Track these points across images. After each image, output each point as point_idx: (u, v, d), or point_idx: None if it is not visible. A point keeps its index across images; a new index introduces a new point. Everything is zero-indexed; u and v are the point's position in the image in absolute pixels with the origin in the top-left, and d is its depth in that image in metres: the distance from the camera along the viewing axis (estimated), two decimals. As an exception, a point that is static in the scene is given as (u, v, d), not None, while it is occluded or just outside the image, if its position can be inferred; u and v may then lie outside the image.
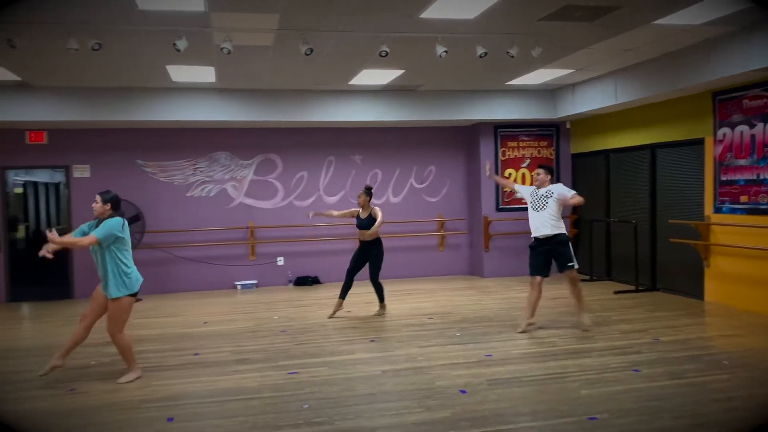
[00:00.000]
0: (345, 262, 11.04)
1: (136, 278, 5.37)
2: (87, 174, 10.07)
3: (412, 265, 11.25)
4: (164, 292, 10.22)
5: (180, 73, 8.25)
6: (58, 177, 15.88)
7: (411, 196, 11.26)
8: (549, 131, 11.25)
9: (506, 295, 9.21)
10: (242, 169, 10.70)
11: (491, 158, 10.89)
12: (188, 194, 10.44)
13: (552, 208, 6.68)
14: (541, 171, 6.91)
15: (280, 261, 10.88)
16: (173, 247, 10.30)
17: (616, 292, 9.14)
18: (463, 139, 11.46)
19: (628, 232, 9.62)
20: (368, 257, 7.86)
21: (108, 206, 5.27)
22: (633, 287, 9.32)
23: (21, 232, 12.72)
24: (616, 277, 10.26)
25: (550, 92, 10.54)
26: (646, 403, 4.55)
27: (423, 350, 6.17)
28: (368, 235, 7.73)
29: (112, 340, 5.38)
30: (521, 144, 11.12)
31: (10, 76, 8.05)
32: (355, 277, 7.97)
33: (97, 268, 5.33)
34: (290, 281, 10.85)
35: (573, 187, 11.17)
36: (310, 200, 10.91)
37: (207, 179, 10.53)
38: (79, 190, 10.06)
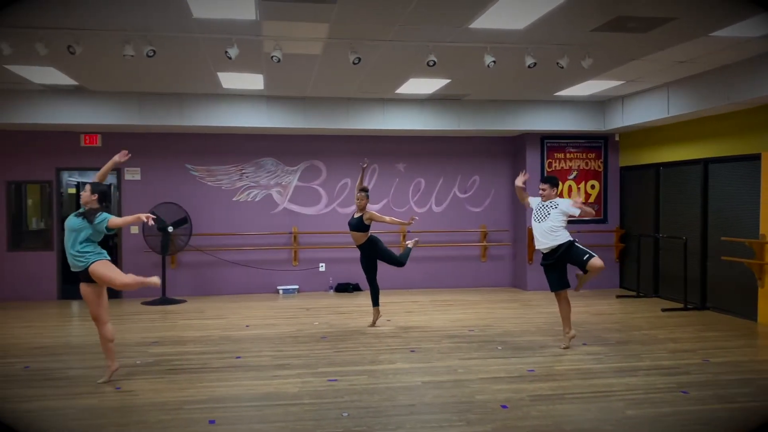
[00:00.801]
0: (385, 269, 11.08)
1: (105, 253, 5.47)
2: (137, 177, 10.33)
3: (453, 276, 11.18)
4: (208, 294, 10.40)
5: (230, 80, 8.40)
6: (109, 179, 16.42)
7: (454, 206, 11.19)
8: (597, 143, 11.05)
9: (549, 309, 9.03)
10: (287, 175, 10.83)
11: (537, 169, 10.76)
12: (234, 199, 10.61)
13: (554, 220, 6.53)
14: (546, 186, 6.71)
15: (322, 267, 10.94)
16: (218, 250, 10.47)
17: (664, 310, 8.89)
18: (509, 149, 11.35)
19: (677, 249, 9.35)
20: (373, 258, 7.72)
21: (95, 197, 5.38)
22: (681, 305, 9.04)
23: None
24: (664, 294, 9.98)
25: (599, 103, 10.36)
26: (695, 427, 4.41)
27: (464, 363, 6.10)
28: (358, 237, 7.61)
29: (123, 288, 5.46)
30: (568, 156, 10.96)
31: (68, 80, 8.32)
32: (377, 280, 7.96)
33: (71, 253, 5.31)
34: (331, 287, 10.90)
35: (621, 201, 11.01)
36: (353, 207, 10.91)
37: (253, 184, 10.69)
38: (129, 193, 10.33)
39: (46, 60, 7.02)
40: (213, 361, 6.19)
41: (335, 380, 5.52)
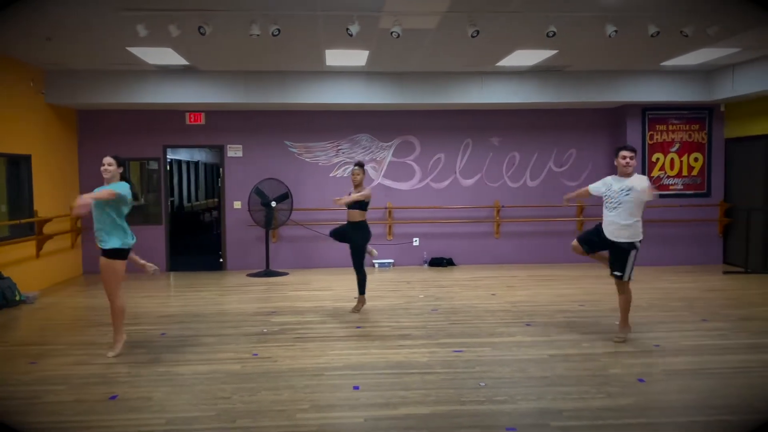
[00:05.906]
0: (479, 245, 11.13)
1: (132, 235, 5.52)
2: (239, 153, 10.64)
3: (550, 250, 11.06)
4: (309, 267, 10.68)
5: (335, 57, 8.49)
6: (197, 156, 17.03)
7: (549, 180, 11.04)
8: (701, 114, 10.65)
9: (655, 285, 8.87)
10: (382, 151, 10.92)
11: (639, 141, 10.50)
12: (331, 174, 10.80)
13: (627, 208, 5.56)
14: (633, 154, 5.58)
15: (416, 242, 11.04)
16: (317, 224, 10.69)
17: (779, 287, 8.59)
18: (608, 121, 11.07)
19: (792, 223, 8.98)
20: (349, 240, 7.26)
21: (121, 168, 5.50)
22: (797, 282, 8.71)
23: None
24: (775, 270, 9.62)
25: (704, 73, 9.95)
26: None
27: (585, 336, 6.09)
28: (356, 215, 7.16)
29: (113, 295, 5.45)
30: (671, 127, 10.61)
31: (180, 60, 8.59)
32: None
33: (98, 225, 5.35)
34: (425, 262, 11.00)
35: (725, 174, 10.60)
36: (447, 182, 10.98)
37: (348, 160, 10.84)
38: (231, 169, 10.66)
39: (167, 41, 7.27)
40: (337, 331, 6.39)
41: (460, 351, 5.60)
